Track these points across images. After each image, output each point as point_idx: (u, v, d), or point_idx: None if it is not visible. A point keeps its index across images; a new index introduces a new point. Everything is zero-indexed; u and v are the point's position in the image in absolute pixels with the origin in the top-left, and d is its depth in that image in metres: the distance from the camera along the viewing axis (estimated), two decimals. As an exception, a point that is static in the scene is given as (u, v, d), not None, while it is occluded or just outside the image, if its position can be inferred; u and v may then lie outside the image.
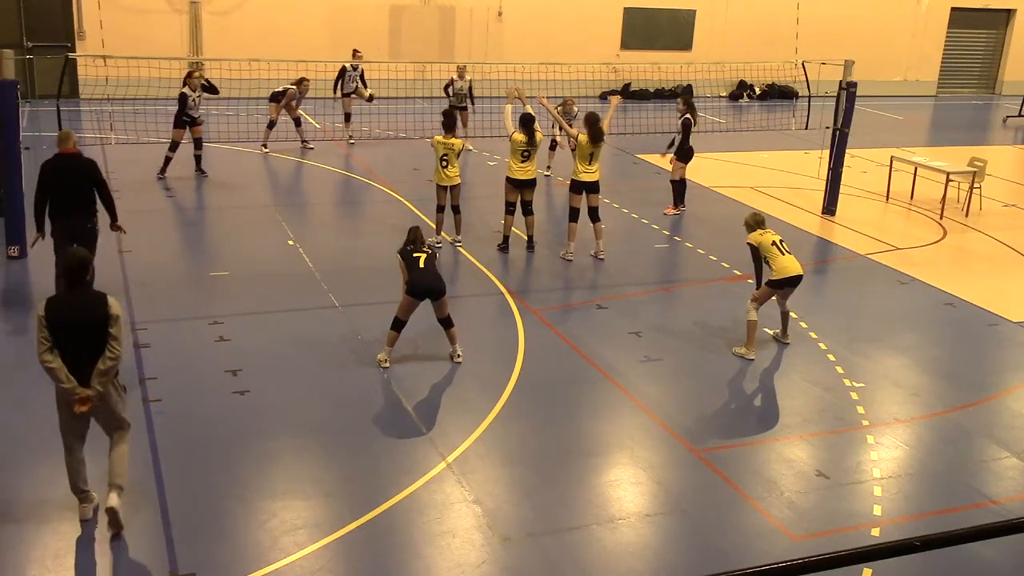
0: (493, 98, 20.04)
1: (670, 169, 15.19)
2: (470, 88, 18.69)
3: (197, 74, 15.64)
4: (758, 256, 10.00)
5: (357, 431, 8.13)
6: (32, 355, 9.34)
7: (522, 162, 12.52)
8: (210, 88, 15.73)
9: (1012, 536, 3.18)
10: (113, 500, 6.56)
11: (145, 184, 15.23)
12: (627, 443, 8.23)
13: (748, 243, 10.06)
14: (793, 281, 9.91)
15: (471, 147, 17.59)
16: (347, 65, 18.51)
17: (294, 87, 17.62)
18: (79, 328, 6.38)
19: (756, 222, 10.12)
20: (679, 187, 15.08)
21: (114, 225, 10.01)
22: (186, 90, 15.37)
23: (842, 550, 2.94)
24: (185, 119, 15.45)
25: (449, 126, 12.45)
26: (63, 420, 6.59)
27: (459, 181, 12.71)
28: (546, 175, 16.73)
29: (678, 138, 14.85)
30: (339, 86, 18.62)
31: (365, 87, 18.80)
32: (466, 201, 13.32)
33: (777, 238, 9.99)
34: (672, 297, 11.84)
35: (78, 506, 6.77)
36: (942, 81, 30.82)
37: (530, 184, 12.63)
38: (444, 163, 12.43)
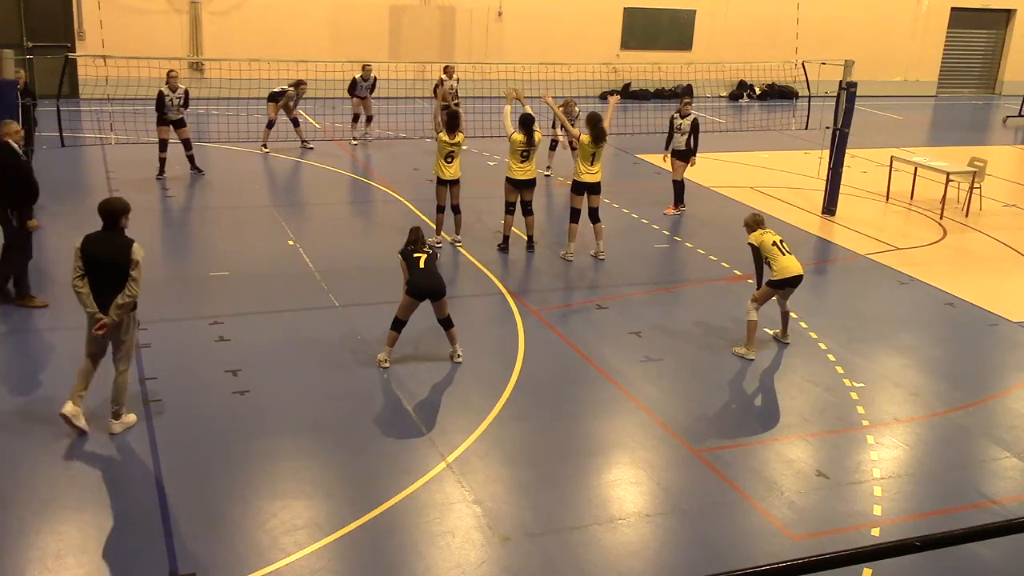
0: (492, 98, 20.05)
1: (670, 169, 15.20)
2: (456, 85, 18.62)
3: (174, 74, 15.57)
4: (759, 256, 10.00)
5: (357, 431, 8.13)
6: (32, 360, 9.39)
7: (522, 162, 12.52)
8: (185, 101, 15.56)
9: (1012, 536, 3.18)
10: (114, 427, 7.76)
11: (144, 184, 15.23)
12: (627, 443, 8.23)
13: (749, 243, 10.06)
14: (794, 281, 9.91)
15: (466, 146, 17.60)
16: (357, 77, 18.50)
17: (292, 89, 17.64)
18: (106, 264, 7.44)
19: (756, 222, 10.12)
20: (679, 187, 15.08)
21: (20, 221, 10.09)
22: (164, 89, 15.31)
23: (842, 550, 2.94)
24: (165, 117, 15.41)
25: (452, 127, 12.46)
26: (88, 335, 7.66)
27: (459, 175, 12.73)
28: (546, 175, 16.74)
29: (688, 138, 14.76)
30: (352, 93, 18.65)
31: (372, 91, 18.73)
32: (466, 201, 13.32)
33: (777, 238, 9.99)
34: (672, 297, 11.84)
35: (69, 404, 7.65)
36: (942, 81, 30.84)
37: (530, 184, 12.63)
38: (449, 160, 12.47)
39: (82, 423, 7.68)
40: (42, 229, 11.84)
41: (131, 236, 7.72)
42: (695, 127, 14.72)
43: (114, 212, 7.59)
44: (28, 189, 10.13)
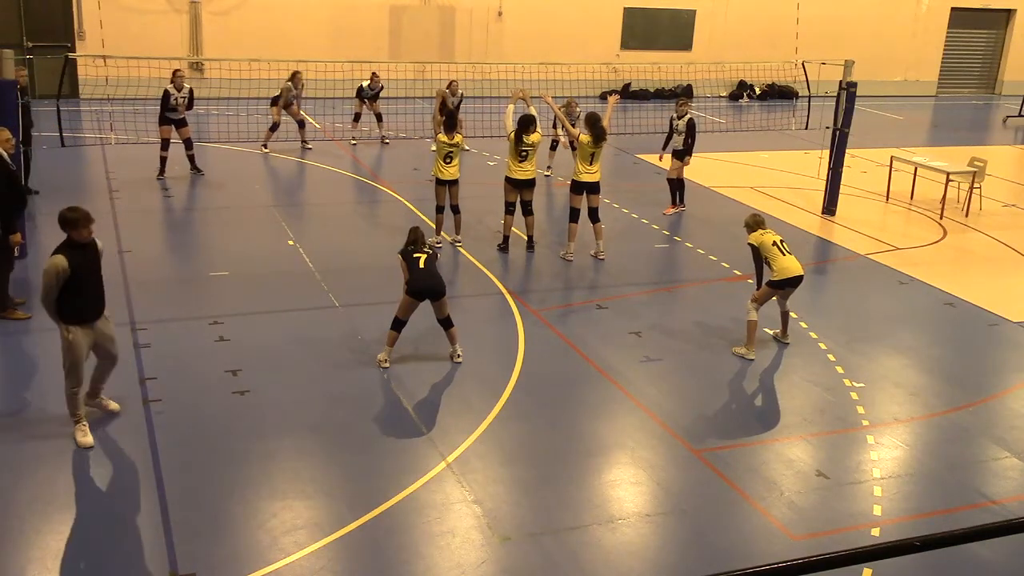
0: (492, 98, 20.06)
1: (668, 168, 15.19)
2: (459, 102, 18.30)
3: (180, 73, 15.57)
4: (759, 256, 10.00)
5: (357, 431, 8.13)
6: (32, 361, 9.39)
7: (521, 162, 12.52)
8: (190, 101, 15.52)
9: (1012, 536, 3.18)
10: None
11: (144, 184, 15.23)
12: (627, 443, 8.23)
13: (749, 243, 10.06)
14: (794, 281, 9.91)
15: (467, 147, 17.58)
16: (364, 84, 18.47)
17: (289, 83, 17.57)
18: None
19: (756, 222, 10.12)
20: (677, 186, 15.08)
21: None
22: (170, 87, 15.31)
23: (842, 550, 2.94)
24: (169, 116, 15.40)
25: (451, 126, 12.46)
26: None
27: (459, 176, 12.73)
28: (546, 175, 16.73)
29: (684, 139, 14.76)
30: (358, 97, 18.63)
31: (376, 101, 18.66)
32: (466, 201, 13.32)
33: (778, 238, 9.99)
34: (672, 297, 11.84)
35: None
36: (942, 81, 30.83)
37: (529, 184, 12.63)
38: (448, 160, 12.48)
39: (112, 407, 8.08)
40: (39, 229, 11.86)
41: (100, 240, 7.70)
42: (691, 127, 14.72)
43: (60, 221, 7.47)
44: (16, 198, 9.88)
